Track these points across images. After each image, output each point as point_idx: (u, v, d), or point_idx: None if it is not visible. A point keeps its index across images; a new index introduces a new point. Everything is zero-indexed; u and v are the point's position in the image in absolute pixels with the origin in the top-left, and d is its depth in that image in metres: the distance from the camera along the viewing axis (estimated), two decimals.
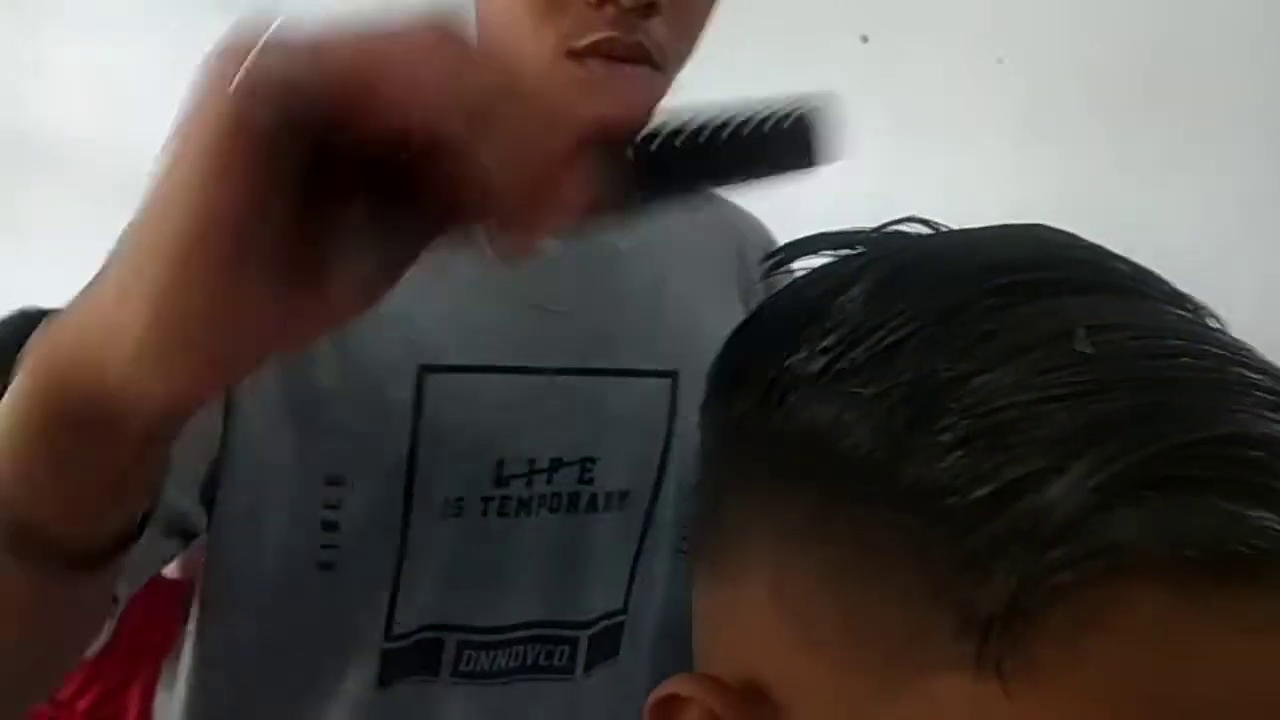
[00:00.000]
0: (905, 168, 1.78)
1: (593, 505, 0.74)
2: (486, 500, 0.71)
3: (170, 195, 0.28)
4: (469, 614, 0.72)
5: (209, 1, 1.85)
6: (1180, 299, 0.32)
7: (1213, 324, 0.32)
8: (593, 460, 0.73)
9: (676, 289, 0.78)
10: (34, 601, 0.39)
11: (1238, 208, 1.74)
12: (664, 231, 0.80)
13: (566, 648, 0.75)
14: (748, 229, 0.86)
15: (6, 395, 0.35)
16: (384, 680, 0.71)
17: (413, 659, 0.71)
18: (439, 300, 0.69)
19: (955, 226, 0.36)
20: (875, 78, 1.79)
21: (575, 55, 0.63)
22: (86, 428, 0.33)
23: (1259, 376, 0.29)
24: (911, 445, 0.29)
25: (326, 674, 0.71)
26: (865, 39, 1.80)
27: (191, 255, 0.28)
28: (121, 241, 0.38)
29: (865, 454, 0.30)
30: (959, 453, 0.28)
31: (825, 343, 0.32)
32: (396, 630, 0.70)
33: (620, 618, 0.77)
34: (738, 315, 0.79)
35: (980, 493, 0.27)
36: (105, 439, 0.34)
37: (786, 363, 0.32)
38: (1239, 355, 0.30)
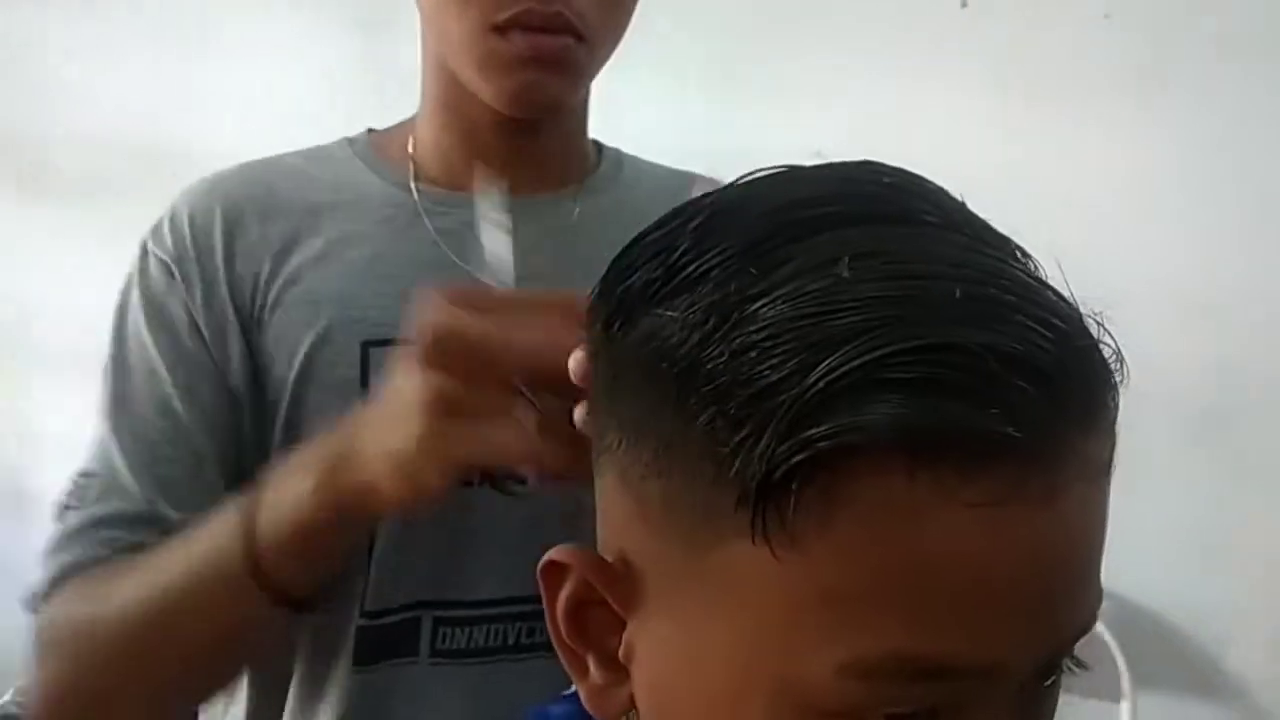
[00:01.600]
0: (1017, 134, 1.71)
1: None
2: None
3: (395, 414, 0.57)
4: (444, 590, 0.73)
5: (350, 21, 2.01)
6: (980, 231, 0.38)
7: (1015, 263, 0.37)
8: None
9: None
10: (255, 625, 0.65)
11: None
12: (621, 202, 0.82)
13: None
14: None
15: (290, 496, 0.61)
16: (360, 659, 0.72)
17: (391, 639, 0.73)
18: (381, 278, 0.74)
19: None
20: (976, 42, 1.73)
21: (498, 29, 0.68)
22: (349, 511, 0.60)
23: (1006, 295, 0.34)
24: (706, 355, 0.35)
25: (311, 657, 0.74)
26: (965, 4, 1.74)
27: (415, 443, 0.55)
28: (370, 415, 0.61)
29: (671, 363, 0.36)
30: (737, 361, 0.34)
31: (654, 273, 0.38)
32: (370, 607, 0.72)
33: None
34: None
35: (750, 390, 0.33)
36: (355, 522, 0.63)
37: (627, 286, 0.39)
38: (996, 276, 0.35)
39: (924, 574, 0.33)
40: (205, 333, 0.73)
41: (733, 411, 0.34)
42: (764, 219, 0.37)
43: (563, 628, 0.42)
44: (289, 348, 0.73)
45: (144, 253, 0.76)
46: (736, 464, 0.33)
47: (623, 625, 0.41)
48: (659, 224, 0.41)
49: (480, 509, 0.72)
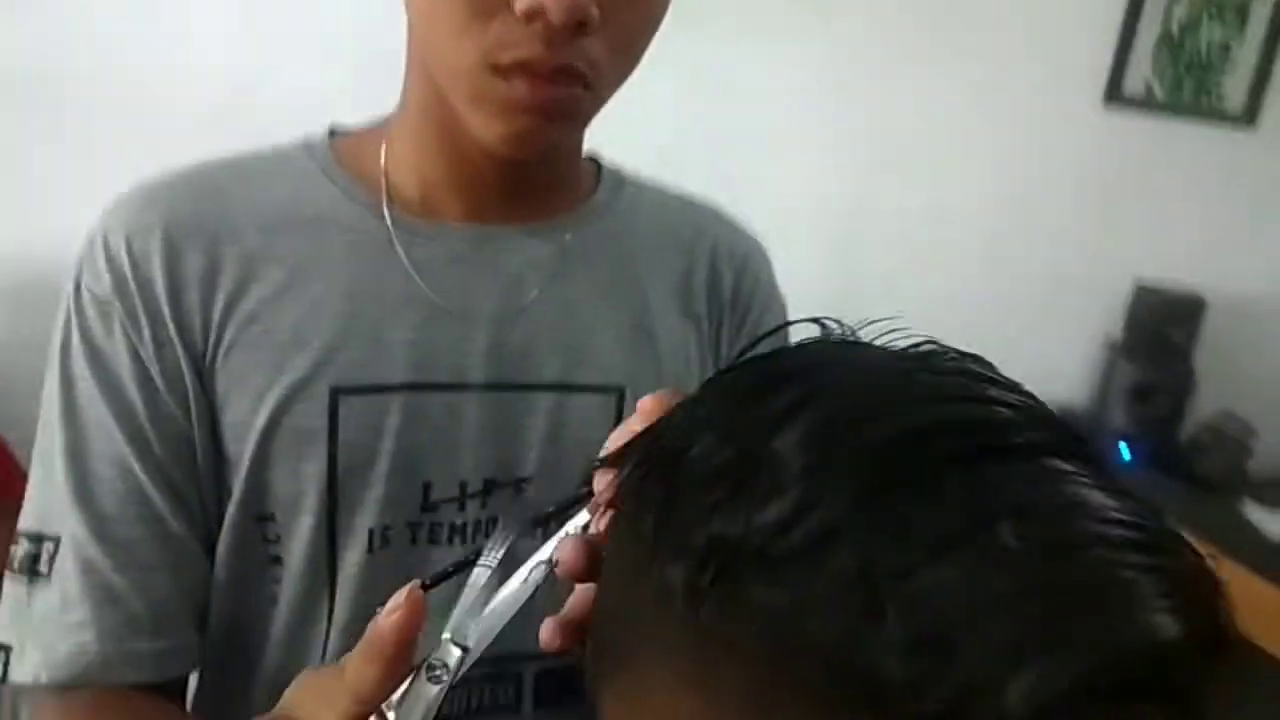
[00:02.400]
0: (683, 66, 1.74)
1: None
2: (414, 527, 0.68)
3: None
4: None
5: None
6: (1069, 445, 0.34)
7: (1096, 477, 0.33)
8: (527, 480, 0.69)
9: (627, 297, 0.73)
10: None
11: None
12: (619, 231, 0.75)
13: (511, 685, 0.71)
14: (721, 235, 0.79)
15: None
16: None
17: None
18: (348, 316, 0.66)
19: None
20: None
21: (500, 71, 0.59)
22: None
23: (1151, 556, 0.31)
24: (861, 641, 0.29)
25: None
26: None
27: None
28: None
29: (815, 648, 0.30)
30: (908, 656, 0.29)
31: (767, 515, 0.32)
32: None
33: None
34: (690, 335, 0.73)
35: (931, 701, 0.28)
36: None
37: (722, 531, 0.33)
38: (1129, 525, 0.31)
39: None
40: (157, 379, 0.65)
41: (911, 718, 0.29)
42: (887, 453, 0.32)
43: None
44: (251, 395, 0.65)
45: (77, 288, 0.66)
46: None
47: None
48: (735, 410, 0.35)
49: (426, 568, 0.66)
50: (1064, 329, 2.22)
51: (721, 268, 0.77)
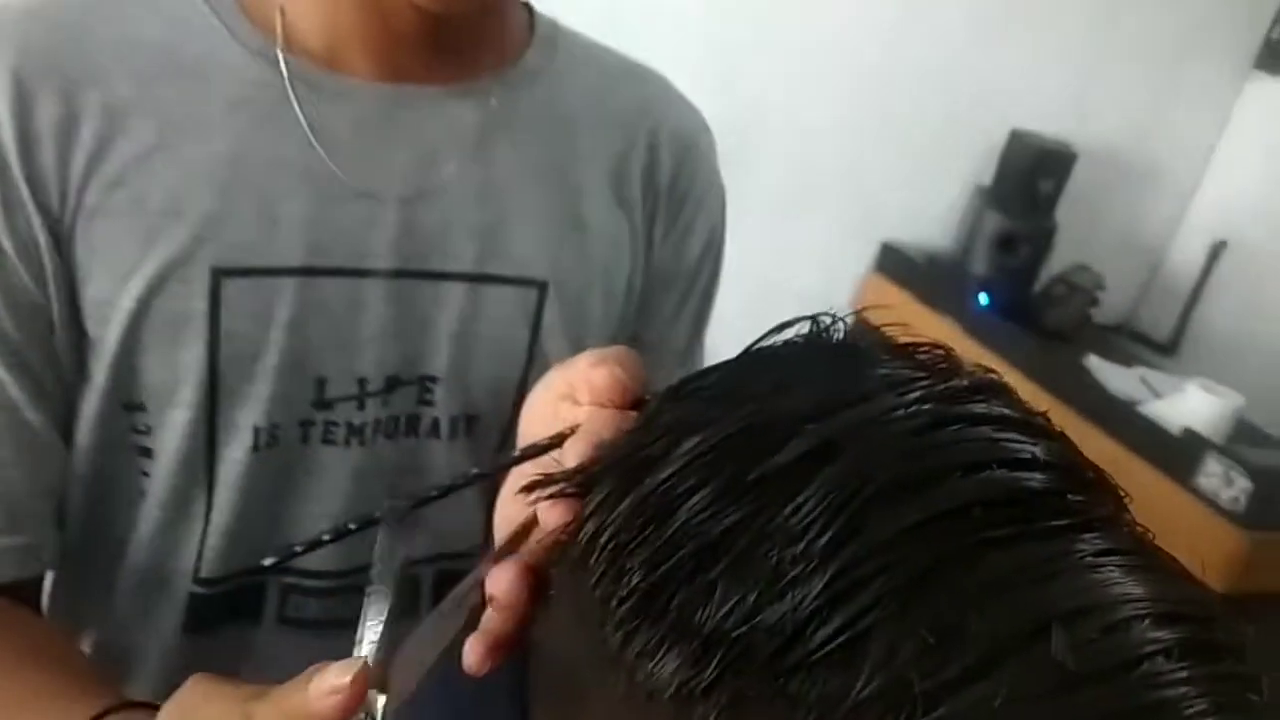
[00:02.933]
0: None
1: (434, 431, 0.64)
2: (307, 426, 0.61)
3: None
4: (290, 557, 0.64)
5: None
6: (1094, 507, 0.30)
7: (1118, 547, 0.29)
8: (434, 379, 0.63)
9: (556, 178, 0.65)
10: None
11: None
12: (551, 99, 0.66)
13: (408, 589, 0.67)
14: (666, 115, 0.71)
15: None
16: (190, 627, 0.63)
17: (228, 605, 0.64)
18: (232, 184, 0.57)
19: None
20: None
21: None
22: None
23: (1197, 664, 0.27)
24: None
25: (139, 611, 0.64)
26: None
27: None
28: None
29: None
30: None
31: (785, 606, 0.27)
32: (206, 574, 0.62)
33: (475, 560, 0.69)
34: (623, 225, 0.66)
35: None
36: None
37: (726, 621, 0.27)
38: (1173, 623, 0.28)
39: None
40: (7, 246, 0.55)
41: None
42: (910, 536, 0.28)
43: None
44: (118, 270, 0.56)
45: None
46: None
47: None
48: (733, 451, 0.30)
49: (334, 469, 0.62)
50: (937, 172, 2.23)
51: (661, 152, 0.69)
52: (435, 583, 0.68)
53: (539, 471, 0.36)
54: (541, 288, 0.64)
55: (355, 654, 0.36)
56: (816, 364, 0.34)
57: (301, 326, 0.59)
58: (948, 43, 2.13)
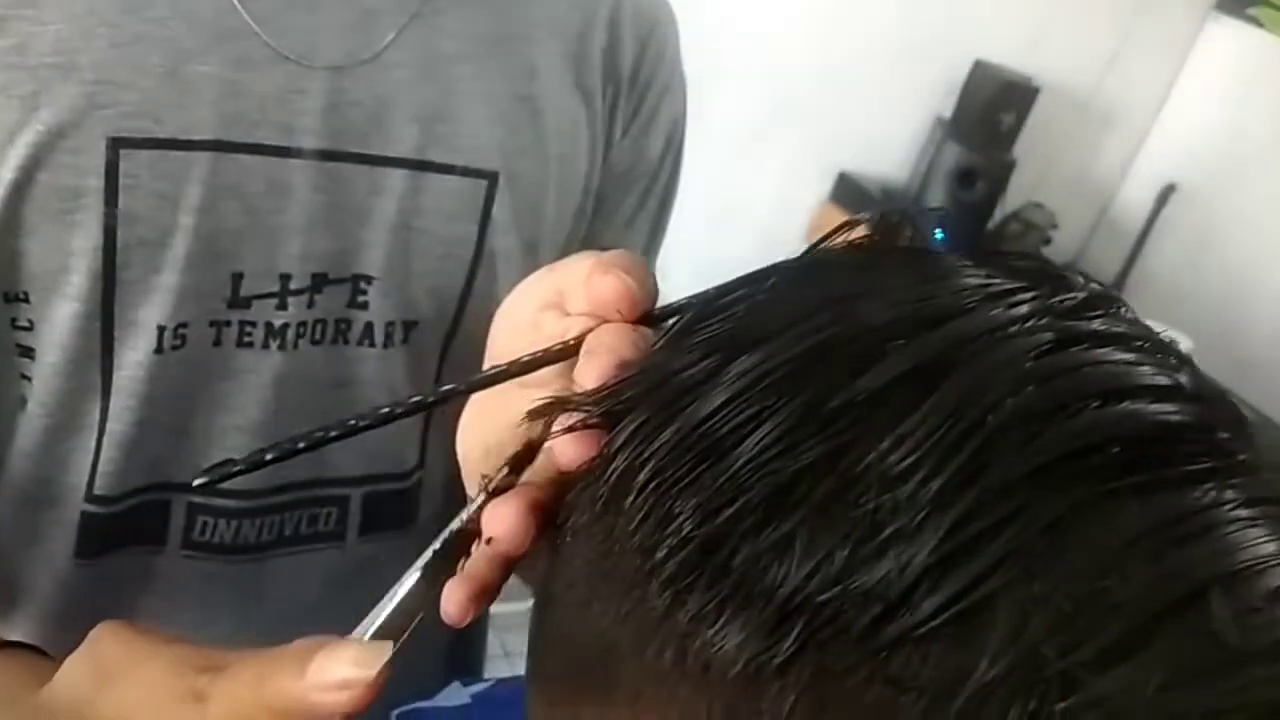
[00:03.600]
0: None
1: (368, 337, 0.57)
2: (220, 326, 0.54)
3: None
4: (195, 471, 0.57)
5: None
6: (1238, 439, 0.25)
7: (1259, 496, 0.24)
8: (368, 279, 0.56)
9: (508, 56, 0.57)
10: None
11: None
12: None
13: (334, 509, 0.60)
14: None
15: None
16: (84, 552, 0.56)
17: (127, 527, 0.56)
18: (133, 38, 0.48)
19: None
20: None
21: None
22: None
23: None
24: None
25: (23, 533, 0.57)
26: None
27: None
28: None
29: None
30: None
31: (880, 572, 0.22)
32: (101, 491, 0.55)
33: (409, 480, 0.62)
34: (580, 112, 0.58)
35: None
36: None
37: (800, 594, 0.22)
38: None
39: None
40: None
41: None
42: (1045, 480, 0.22)
43: None
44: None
45: None
46: None
47: None
48: (792, 385, 0.25)
49: (253, 375, 0.55)
50: (898, 103, 2.17)
51: (623, 33, 0.61)
52: (364, 505, 0.61)
53: (549, 395, 0.30)
54: (491, 179, 0.56)
55: (363, 633, 0.30)
56: (892, 270, 0.28)
57: (214, 211, 0.51)
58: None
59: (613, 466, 0.26)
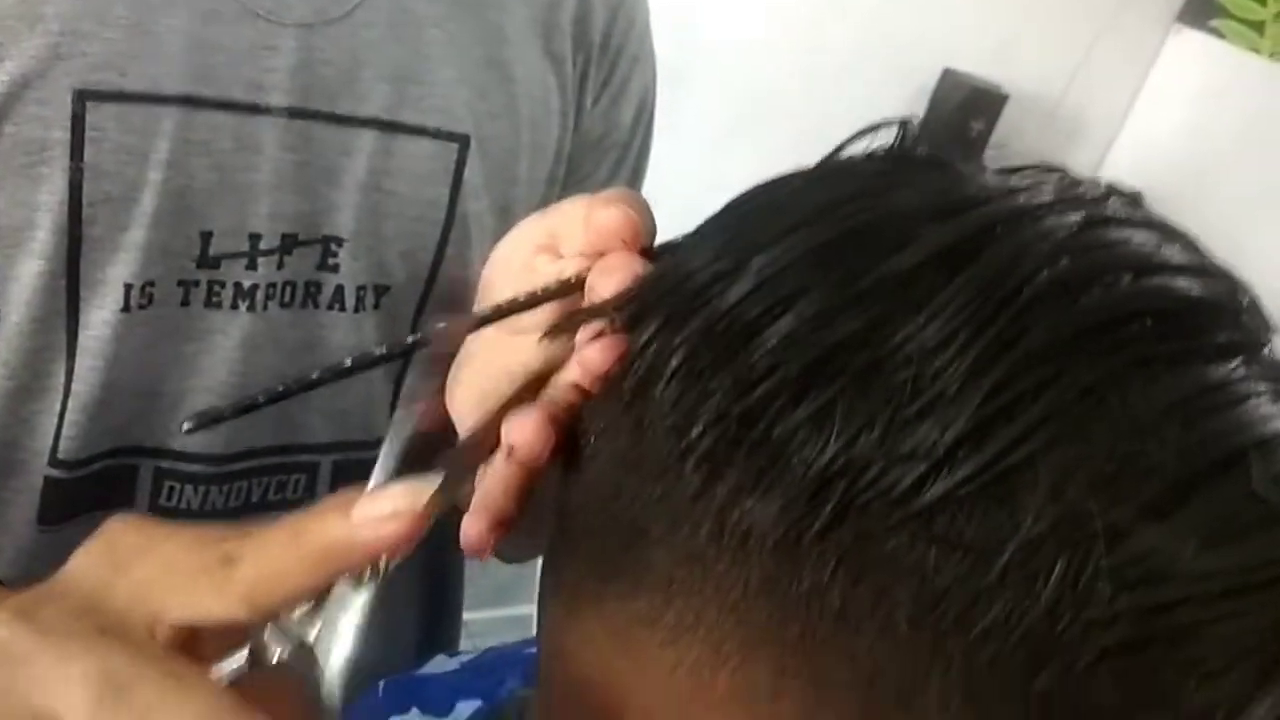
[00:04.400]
0: None
1: (338, 300, 0.56)
2: (188, 286, 0.53)
3: None
4: (166, 435, 0.56)
5: None
6: (1260, 323, 0.26)
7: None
8: (338, 241, 0.55)
9: (479, 20, 0.57)
10: None
11: None
12: None
13: (303, 476, 0.60)
14: None
15: None
16: (47, 518, 0.55)
17: (92, 493, 0.56)
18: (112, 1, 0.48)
19: None
20: None
21: None
22: None
23: None
24: (1051, 644, 0.21)
25: None
26: None
27: None
28: None
29: (986, 654, 0.22)
30: (1116, 661, 0.21)
31: (917, 438, 0.22)
32: (65, 456, 0.54)
33: (379, 448, 0.61)
34: (550, 79, 0.58)
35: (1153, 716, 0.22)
36: None
37: (841, 459, 0.22)
38: None
39: None
40: None
41: None
42: (1081, 345, 0.23)
43: None
44: None
45: None
46: None
47: None
48: (820, 260, 0.25)
49: (224, 334, 0.55)
50: (868, 109, 2.18)
51: (594, 2, 0.62)
52: (333, 475, 0.60)
53: (564, 311, 0.30)
54: (463, 142, 0.56)
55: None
56: (916, 168, 0.29)
57: (183, 167, 0.50)
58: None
59: (639, 361, 0.27)
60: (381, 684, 0.50)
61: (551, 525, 0.31)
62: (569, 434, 0.30)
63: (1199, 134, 2.34)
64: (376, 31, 0.53)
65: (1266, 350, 0.26)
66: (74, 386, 0.53)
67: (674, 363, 0.25)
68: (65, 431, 0.53)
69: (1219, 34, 2.37)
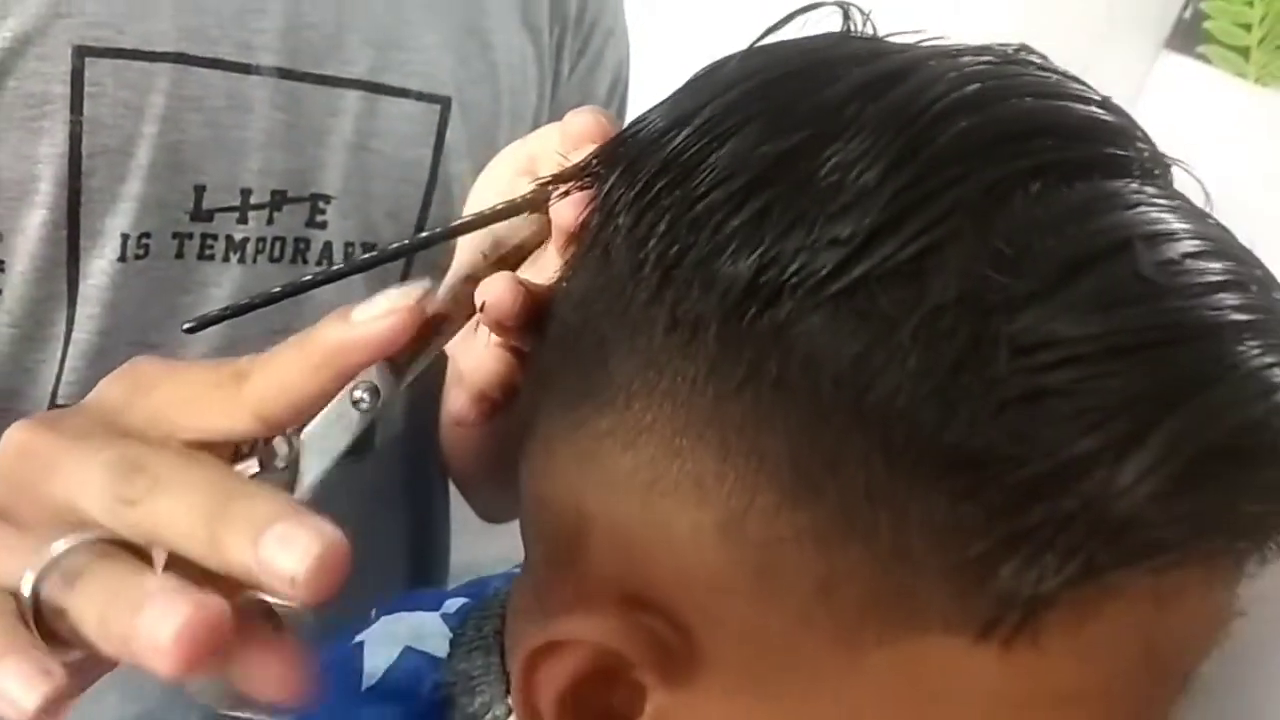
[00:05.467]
0: None
1: (326, 256, 0.59)
2: (182, 238, 0.56)
3: None
4: None
5: None
6: (1161, 162, 0.31)
7: (1197, 206, 0.30)
8: (326, 199, 0.58)
9: None
10: None
11: None
12: None
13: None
14: None
15: None
16: None
17: None
18: None
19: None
20: None
21: None
22: None
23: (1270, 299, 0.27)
24: (956, 397, 0.24)
25: None
26: None
27: None
28: None
29: (898, 404, 0.25)
30: (1014, 412, 0.24)
31: (835, 231, 0.25)
32: (64, 401, 0.56)
33: None
34: (528, 49, 0.61)
35: (1038, 468, 0.24)
36: None
37: (772, 252, 0.26)
38: (1246, 265, 0.28)
39: (1159, 664, 0.29)
40: None
41: (1006, 491, 0.25)
42: (992, 153, 0.26)
43: (551, 712, 0.31)
44: None
45: None
46: (1006, 564, 0.25)
47: (643, 692, 0.30)
48: (759, 105, 0.28)
49: (218, 285, 0.58)
50: None
51: None
52: None
53: (538, 180, 0.33)
54: (444, 104, 0.59)
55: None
56: (847, 38, 0.32)
57: (177, 122, 0.53)
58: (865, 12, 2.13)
59: (603, 203, 0.30)
60: (375, 612, 0.52)
61: (528, 383, 0.34)
62: (539, 300, 0.33)
63: (1189, 156, 2.37)
64: None
65: (1158, 174, 0.30)
66: (74, 335, 0.55)
67: (630, 195, 0.29)
68: (65, 378, 0.56)
69: (1206, 59, 2.42)
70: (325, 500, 0.62)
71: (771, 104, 0.28)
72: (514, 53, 0.62)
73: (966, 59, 0.29)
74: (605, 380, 0.29)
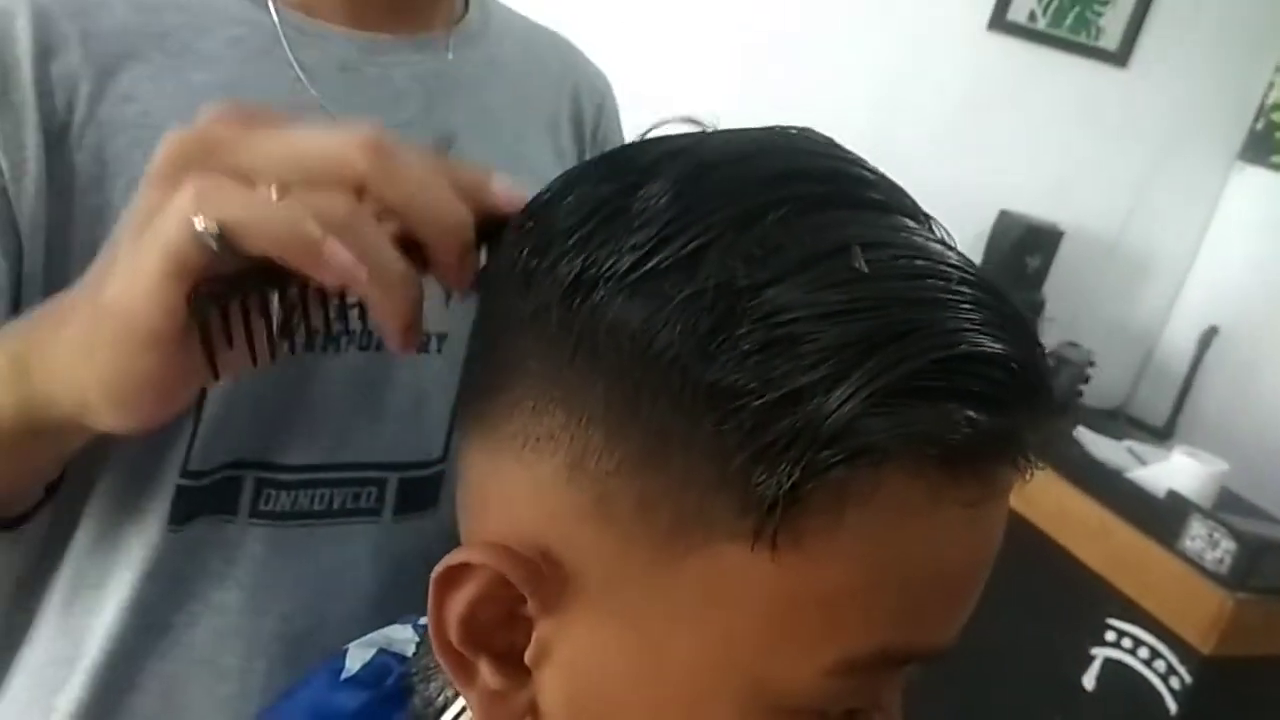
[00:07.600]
0: None
1: (423, 347, 0.67)
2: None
3: (118, 297, 0.42)
4: (268, 452, 0.64)
5: None
6: (917, 213, 0.38)
7: (940, 238, 0.37)
8: None
9: (501, 127, 0.70)
10: None
11: None
12: (494, 58, 0.72)
13: (374, 489, 0.68)
14: (583, 72, 0.79)
15: None
16: (176, 519, 0.62)
17: (209, 499, 0.63)
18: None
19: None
20: None
21: None
22: (48, 434, 0.50)
23: (982, 295, 0.35)
24: (713, 349, 0.33)
25: (129, 505, 0.62)
26: None
27: (133, 350, 0.42)
28: (83, 291, 0.47)
29: (672, 355, 0.33)
30: (754, 359, 0.32)
31: (634, 240, 0.34)
32: (194, 467, 0.63)
33: (438, 467, 0.71)
34: (553, 161, 0.71)
35: (770, 397, 0.32)
36: (61, 441, 0.52)
37: (592, 257, 0.35)
38: (966, 272, 0.35)
39: (916, 571, 0.35)
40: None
41: (750, 415, 0.33)
42: (752, 191, 0.35)
43: (455, 633, 0.39)
44: (124, 176, 0.57)
45: None
46: (756, 473, 0.33)
47: (530, 625, 0.39)
48: (606, 171, 0.38)
49: (316, 374, 0.63)
50: None
51: (584, 103, 0.76)
52: (399, 488, 0.68)
53: None
54: None
55: None
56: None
57: None
58: (937, 122, 2.21)
59: (518, 240, 0.40)
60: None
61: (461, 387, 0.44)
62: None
63: (1269, 265, 2.36)
64: (423, 141, 0.64)
65: (921, 219, 0.38)
66: (206, 407, 0.61)
67: (519, 234, 0.40)
68: (196, 446, 0.61)
69: (1279, 169, 2.42)
70: (397, 544, 0.71)
71: (600, 175, 0.38)
72: (547, 175, 0.71)
73: (755, 132, 0.38)
74: (497, 369, 0.39)
